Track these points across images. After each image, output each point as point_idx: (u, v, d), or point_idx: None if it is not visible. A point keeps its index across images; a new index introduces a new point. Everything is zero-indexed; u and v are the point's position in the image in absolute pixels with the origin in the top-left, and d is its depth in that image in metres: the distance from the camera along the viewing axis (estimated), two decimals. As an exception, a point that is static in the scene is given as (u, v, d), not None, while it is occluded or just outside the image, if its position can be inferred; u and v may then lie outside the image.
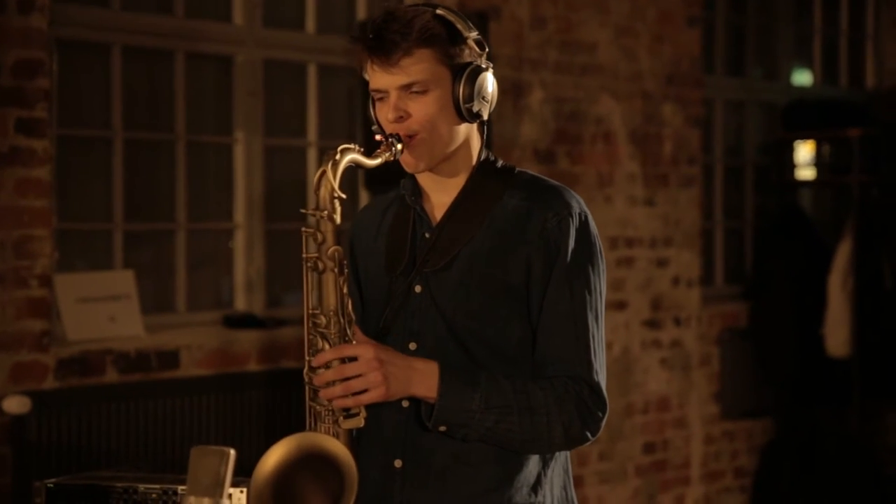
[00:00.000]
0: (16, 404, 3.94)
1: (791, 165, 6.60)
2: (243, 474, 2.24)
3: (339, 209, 2.12)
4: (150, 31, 4.64)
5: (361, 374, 2.09)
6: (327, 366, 2.10)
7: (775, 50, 6.86)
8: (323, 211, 2.11)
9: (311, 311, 2.12)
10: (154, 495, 2.58)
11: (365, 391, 2.09)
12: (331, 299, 2.11)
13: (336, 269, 2.11)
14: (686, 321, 6.03)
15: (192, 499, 1.83)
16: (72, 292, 4.30)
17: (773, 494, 6.29)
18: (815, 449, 6.21)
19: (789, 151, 6.52)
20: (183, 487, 2.56)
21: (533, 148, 5.36)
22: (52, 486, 2.64)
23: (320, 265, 2.11)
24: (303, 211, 2.17)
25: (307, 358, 2.13)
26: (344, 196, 2.12)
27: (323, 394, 2.11)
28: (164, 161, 4.75)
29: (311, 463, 2.02)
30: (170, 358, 4.41)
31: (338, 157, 2.12)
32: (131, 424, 4.26)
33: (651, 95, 5.85)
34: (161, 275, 4.76)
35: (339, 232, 2.14)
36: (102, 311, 4.35)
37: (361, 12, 5.16)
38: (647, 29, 5.81)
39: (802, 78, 7.06)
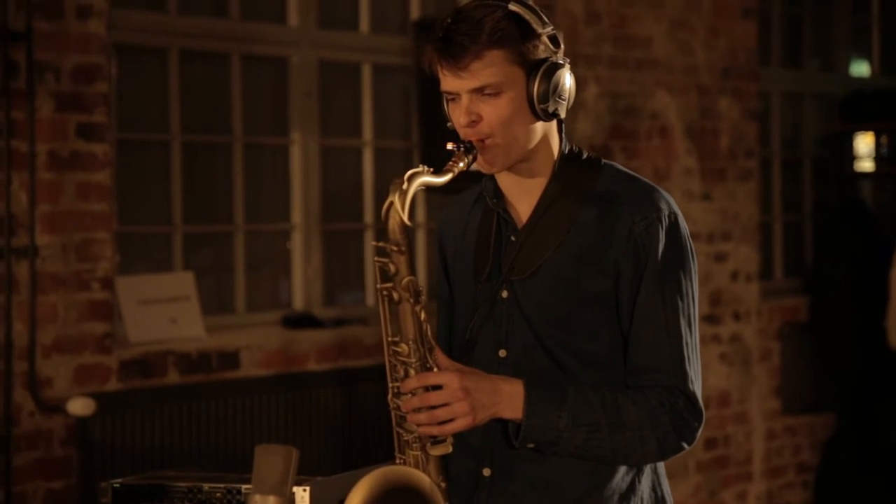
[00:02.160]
0: (80, 406, 3.98)
1: (850, 157, 6.54)
2: (304, 473, 2.25)
3: (409, 239, 2.05)
4: (206, 34, 4.68)
5: (447, 404, 2.04)
6: (413, 393, 2.05)
7: (832, 41, 6.79)
8: (393, 244, 2.03)
9: (390, 340, 2.07)
10: (218, 494, 2.60)
11: (451, 420, 2.05)
12: (409, 328, 2.05)
13: (412, 299, 2.05)
14: (745, 316, 5.98)
15: (257, 497, 1.84)
16: (133, 294, 4.34)
17: (836, 490, 6.23)
18: (878, 443, 6.14)
19: (848, 143, 6.46)
20: (247, 486, 2.58)
21: (589, 144, 5.35)
22: (118, 486, 2.66)
23: (395, 296, 2.05)
24: (374, 244, 2.07)
25: (390, 385, 2.08)
26: (412, 226, 2.07)
27: (411, 419, 2.06)
28: (221, 163, 4.78)
29: (398, 497, 2.00)
30: (230, 359, 4.44)
31: (405, 185, 2.02)
32: (193, 425, 4.29)
33: (707, 89, 5.81)
34: (220, 276, 4.80)
35: (412, 261, 2.08)
36: (163, 312, 4.39)
37: (415, 11, 5.17)
38: (703, 22, 5.78)
39: (860, 69, 6.98)
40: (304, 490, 2.49)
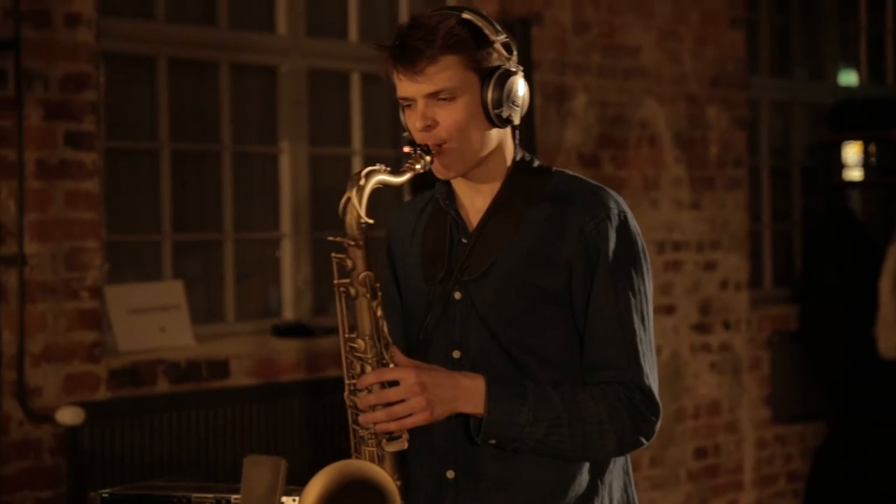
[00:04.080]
0: (70, 415, 3.97)
1: (839, 166, 6.55)
2: (293, 483, 2.24)
3: (367, 234, 2.09)
4: (194, 42, 4.68)
5: (404, 400, 2.06)
6: (369, 389, 2.08)
7: (820, 50, 6.81)
8: (350, 239, 2.08)
9: (346, 336, 2.11)
10: (207, 503, 2.59)
11: (409, 415, 2.07)
12: (366, 324, 2.09)
13: (369, 295, 2.09)
14: (735, 325, 5.99)
15: (247, 507, 1.83)
16: (122, 303, 4.33)
17: (827, 498, 6.23)
18: (869, 451, 6.15)
19: (836, 152, 6.47)
20: (236, 497, 2.57)
21: (577, 153, 5.35)
22: (107, 496, 2.65)
23: (353, 291, 2.09)
24: (330, 238, 2.14)
25: (346, 382, 2.12)
26: (371, 221, 2.08)
27: (364, 418, 2.09)
28: (210, 172, 4.78)
29: (354, 492, 2.01)
30: (220, 367, 4.43)
31: (362, 181, 2.08)
32: (183, 434, 4.28)
33: (695, 98, 5.82)
34: (210, 285, 4.79)
35: (369, 256, 2.11)
36: (153, 321, 4.38)
37: (404, 19, 5.17)
38: (691, 31, 5.79)
39: (849, 78, 7.00)
40: (294, 500, 2.48)
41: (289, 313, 4.89)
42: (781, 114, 6.61)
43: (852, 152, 6.45)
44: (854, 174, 6.49)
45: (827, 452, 6.28)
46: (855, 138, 6.38)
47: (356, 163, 5.11)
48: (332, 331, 4.80)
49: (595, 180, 2.30)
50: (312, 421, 4.58)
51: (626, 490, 2.25)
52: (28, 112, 4.00)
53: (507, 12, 5.02)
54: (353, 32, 5.10)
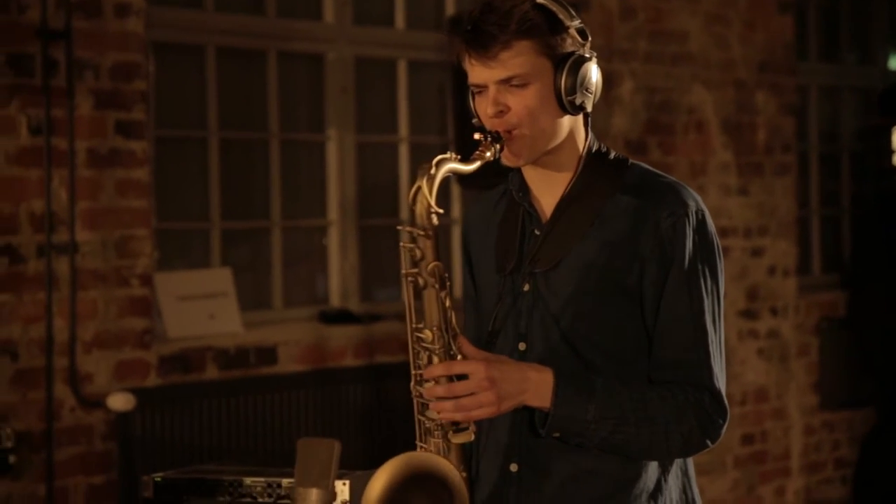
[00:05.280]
0: (121, 401, 4.02)
1: (888, 151, 6.48)
2: (342, 468, 2.25)
3: (436, 224, 2.05)
4: (242, 31, 4.70)
5: (473, 393, 2.03)
6: (436, 381, 2.05)
7: (870, 34, 6.75)
8: (420, 229, 2.04)
9: (414, 326, 2.07)
10: (259, 488, 2.62)
11: (476, 409, 2.04)
12: (434, 314, 2.05)
13: (437, 285, 2.05)
14: (783, 311, 5.95)
15: (300, 490, 1.85)
16: (172, 291, 4.37)
17: (875, 485, 6.19)
18: (918, 439, 6.11)
19: (886, 137, 6.40)
20: (287, 480, 2.60)
21: (624, 139, 5.34)
22: (159, 480, 2.69)
23: (421, 281, 2.05)
24: (399, 228, 2.10)
25: (413, 372, 2.08)
26: (441, 211, 2.05)
27: (433, 407, 2.05)
28: (258, 160, 4.81)
29: (420, 484, 2.01)
30: (268, 354, 4.46)
31: (433, 170, 2.03)
32: (231, 420, 4.32)
33: (744, 83, 5.78)
34: (258, 272, 4.82)
35: (438, 246, 2.09)
36: (202, 308, 4.42)
37: (451, 7, 5.17)
38: (739, 16, 5.75)
39: (898, 62, 6.93)
40: (344, 484, 2.50)
41: (336, 300, 4.92)
42: (830, 99, 6.55)
43: (902, 137, 6.38)
44: (903, 159, 6.42)
45: (875, 439, 6.24)
46: (904, 123, 6.32)
47: (403, 150, 5.12)
48: (379, 317, 4.85)
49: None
50: (359, 406, 4.60)
51: (684, 490, 2.21)
52: (79, 101, 4.04)
53: (554, -2, 5.00)
54: (400, 20, 5.11)
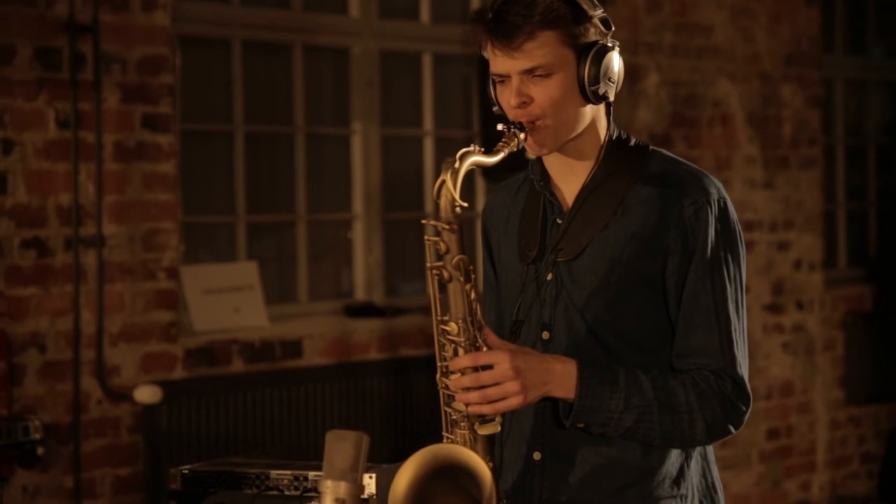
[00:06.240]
0: (147, 394, 4.04)
1: (915, 144, 6.45)
2: (369, 461, 2.25)
3: (461, 217, 2.05)
4: (268, 25, 4.71)
5: (498, 384, 2.04)
6: (462, 372, 2.05)
7: (897, 27, 6.72)
8: (444, 223, 2.03)
9: (439, 319, 2.07)
10: (286, 481, 2.63)
11: (502, 398, 2.05)
12: (459, 307, 2.05)
13: (462, 278, 2.04)
14: (809, 305, 5.93)
15: (328, 482, 1.86)
16: (198, 284, 4.39)
17: (902, 480, 6.17)
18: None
19: (913, 130, 6.38)
20: (314, 473, 2.61)
21: (649, 132, 5.32)
22: (187, 472, 2.70)
23: (445, 275, 2.05)
24: (424, 222, 2.08)
25: (439, 364, 2.08)
26: (466, 204, 2.04)
27: (460, 398, 2.06)
28: (283, 153, 4.82)
29: (447, 475, 2.01)
30: (293, 347, 4.47)
31: (457, 164, 2.02)
32: (257, 413, 4.33)
33: (769, 76, 5.76)
34: (283, 265, 4.84)
35: (462, 239, 2.08)
36: (227, 301, 4.43)
37: (476, 1, 5.17)
38: (765, 9, 5.73)
39: (925, 55, 6.89)
40: (371, 477, 2.51)
41: (361, 294, 4.93)
42: (856, 92, 6.52)
43: (929, 131, 6.35)
44: (930, 153, 6.39)
45: (902, 434, 6.21)
46: (931, 116, 6.29)
47: (427, 144, 5.12)
48: (404, 311, 4.86)
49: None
50: (384, 399, 4.61)
51: (704, 475, 2.21)
52: (106, 95, 4.06)
53: (579, -8, 5.00)
54: (425, 14, 5.11)
